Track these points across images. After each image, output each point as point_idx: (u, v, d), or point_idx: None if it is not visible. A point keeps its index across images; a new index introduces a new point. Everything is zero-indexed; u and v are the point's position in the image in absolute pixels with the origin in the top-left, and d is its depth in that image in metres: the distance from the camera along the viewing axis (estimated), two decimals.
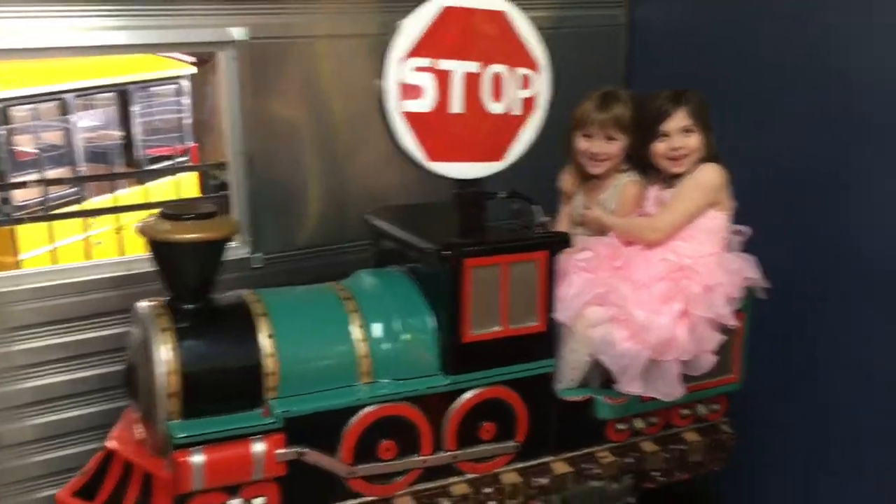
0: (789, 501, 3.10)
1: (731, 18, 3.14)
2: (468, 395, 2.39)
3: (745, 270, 2.62)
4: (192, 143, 6.45)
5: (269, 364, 2.18)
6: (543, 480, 2.53)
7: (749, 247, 2.67)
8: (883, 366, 2.74)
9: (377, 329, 2.33)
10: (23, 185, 5.23)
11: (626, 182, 2.75)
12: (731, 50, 3.11)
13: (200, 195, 5.98)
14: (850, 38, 2.74)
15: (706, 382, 2.67)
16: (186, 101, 6.71)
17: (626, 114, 2.70)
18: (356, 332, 2.31)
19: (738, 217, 2.67)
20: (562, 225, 2.89)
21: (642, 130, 2.67)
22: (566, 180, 2.90)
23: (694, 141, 2.61)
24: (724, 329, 2.55)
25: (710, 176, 2.61)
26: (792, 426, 3.03)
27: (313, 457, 2.20)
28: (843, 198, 2.82)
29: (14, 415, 2.76)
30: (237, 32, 2.78)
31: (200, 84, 6.72)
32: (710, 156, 2.63)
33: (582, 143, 2.74)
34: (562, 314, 2.48)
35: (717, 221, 2.62)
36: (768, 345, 2.85)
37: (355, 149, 3.08)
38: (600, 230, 2.70)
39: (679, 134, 2.60)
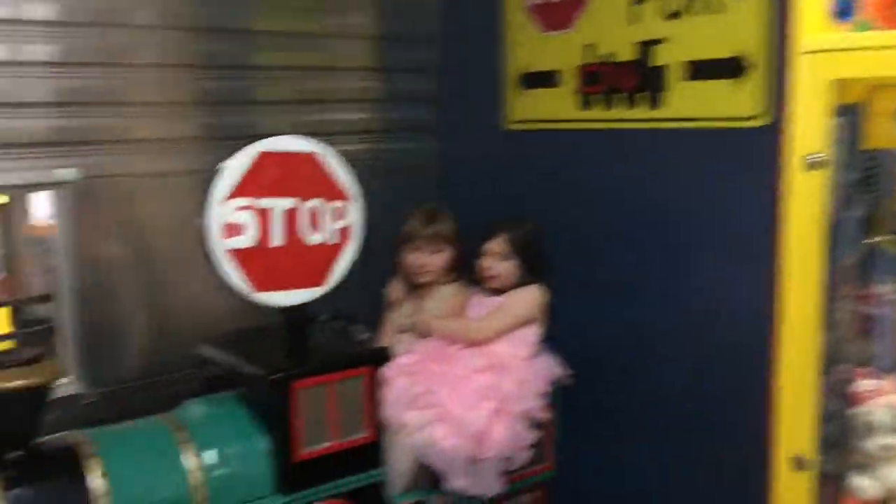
0: None
1: (523, 151, 3.52)
2: None
3: (552, 368, 2.94)
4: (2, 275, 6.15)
5: None
6: None
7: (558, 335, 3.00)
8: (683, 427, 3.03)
9: (210, 456, 2.39)
10: None
11: (452, 291, 3.02)
12: (534, 177, 3.45)
13: (12, 329, 5.68)
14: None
15: (524, 472, 2.90)
16: None
17: (449, 228, 3.01)
18: (189, 461, 2.36)
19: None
20: (387, 331, 3.10)
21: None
22: (393, 290, 3.14)
23: (505, 266, 2.95)
24: (536, 423, 2.82)
25: (534, 297, 2.94)
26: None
27: None
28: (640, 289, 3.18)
29: None
30: (66, 173, 2.85)
31: (8, 216, 6.46)
32: (532, 279, 2.97)
33: (409, 257, 3.01)
34: (386, 416, 2.65)
35: (530, 333, 2.93)
36: (582, 430, 3.15)
37: (184, 279, 3.15)
38: (428, 333, 2.92)
39: (493, 257, 2.95)
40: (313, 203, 2.55)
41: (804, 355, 1.88)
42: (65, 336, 2.98)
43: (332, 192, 2.60)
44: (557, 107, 3.33)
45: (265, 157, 2.42)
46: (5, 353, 2.27)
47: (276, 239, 2.47)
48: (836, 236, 1.93)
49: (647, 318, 3.08)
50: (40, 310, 4.96)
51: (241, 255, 2.39)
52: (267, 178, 2.43)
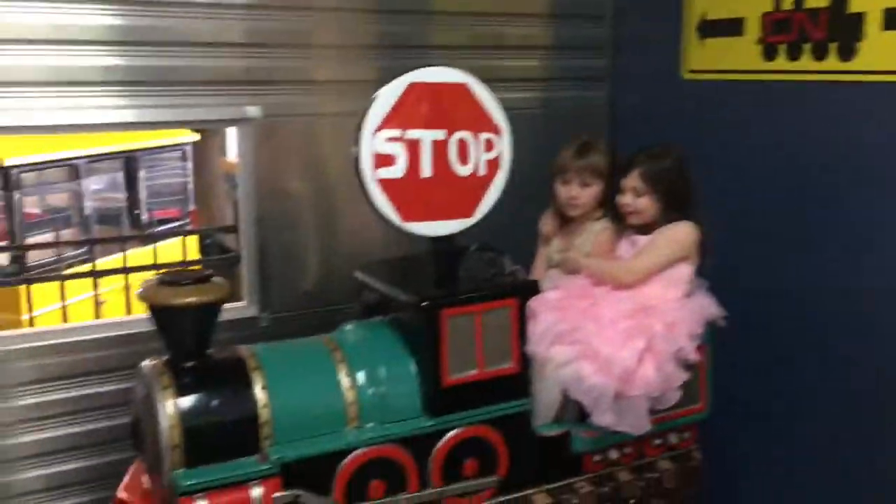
0: None
1: (700, 102, 3.38)
2: (450, 434, 2.56)
3: (706, 308, 2.81)
4: (192, 207, 6.74)
5: (264, 414, 2.38)
6: None
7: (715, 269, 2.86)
8: (849, 381, 2.91)
9: (363, 376, 2.53)
10: (35, 246, 5.49)
11: (601, 228, 2.96)
12: (709, 129, 3.32)
13: (200, 257, 6.23)
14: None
15: (675, 413, 2.83)
16: (189, 166, 7.02)
17: (601, 161, 2.92)
18: (344, 380, 2.51)
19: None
20: (538, 265, 3.10)
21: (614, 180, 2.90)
22: (546, 224, 3.12)
23: (643, 202, 2.81)
24: (687, 364, 2.74)
25: (685, 233, 2.79)
26: (762, 448, 3.19)
27: (308, 499, 2.37)
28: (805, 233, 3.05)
29: (20, 466, 2.95)
30: (252, 111, 3.06)
31: (202, 151, 7.03)
32: (678, 214, 2.81)
33: (560, 189, 2.97)
34: (531, 351, 2.67)
35: (682, 272, 2.80)
36: (737, 370, 3.03)
37: (353, 211, 3.31)
38: (575, 271, 2.90)
39: (630, 192, 2.83)
40: (462, 134, 2.56)
41: None
42: (244, 262, 3.23)
43: (481, 123, 2.60)
44: (739, 57, 3.14)
45: (415, 87, 2.46)
46: (181, 272, 2.49)
47: (426, 170, 2.52)
48: None
49: (816, 273, 2.94)
50: (228, 239, 5.40)
51: (391, 185, 2.46)
52: (416, 110, 2.47)
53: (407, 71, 2.50)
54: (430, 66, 2.53)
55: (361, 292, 2.91)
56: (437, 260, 2.64)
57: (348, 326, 2.74)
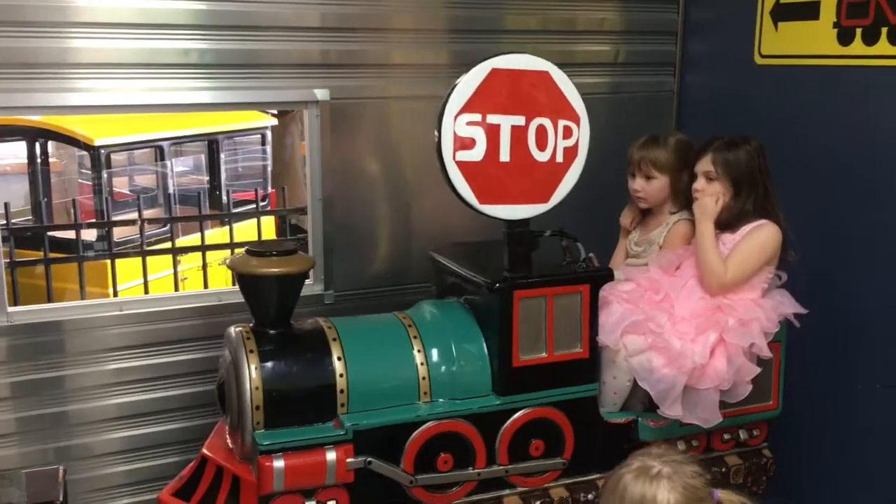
0: None
1: (772, 87, 3.34)
2: (518, 414, 2.62)
3: (781, 306, 2.78)
4: (270, 189, 6.93)
5: (340, 383, 2.48)
6: (590, 496, 2.73)
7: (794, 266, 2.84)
8: None
9: (436, 353, 2.60)
10: (119, 223, 5.73)
11: (676, 221, 2.97)
12: (774, 116, 3.28)
13: (277, 237, 6.40)
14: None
15: (746, 408, 2.83)
16: (268, 149, 7.23)
17: (664, 155, 2.93)
18: (417, 355, 2.59)
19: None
20: (618, 255, 3.14)
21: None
22: (626, 216, 3.15)
23: (714, 188, 2.78)
24: (759, 360, 2.72)
25: (772, 238, 2.76)
26: (832, 451, 3.14)
27: (379, 466, 2.46)
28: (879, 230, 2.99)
29: (104, 427, 3.10)
30: (321, 93, 3.16)
31: (280, 135, 7.21)
32: (755, 208, 2.77)
33: (629, 181, 3.00)
34: (603, 340, 2.70)
35: (762, 276, 2.78)
36: (810, 372, 3.00)
37: (420, 195, 3.40)
38: (679, 244, 2.89)
39: (702, 178, 2.82)
40: (541, 121, 2.60)
41: None
42: (311, 241, 3.34)
43: (560, 111, 2.63)
44: (813, 41, 3.08)
45: (497, 73, 2.51)
46: (268, 244, 2.61)
47: (504, 154, 2.57)
48: None
49: (892, 271, 2.87)
50: (304, 221, 5.53)
51: (470, 168, 2.52)
52: (497, 95, 2.52)
53: (479, 55, 2.54)
54: (508, 52, 2.57)
55: (438, 274, 2.98)
56: (511, 244, 2.69)
57: (424, 304, 2.81)
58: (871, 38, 2.87)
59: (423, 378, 2.57)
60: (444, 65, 3.32)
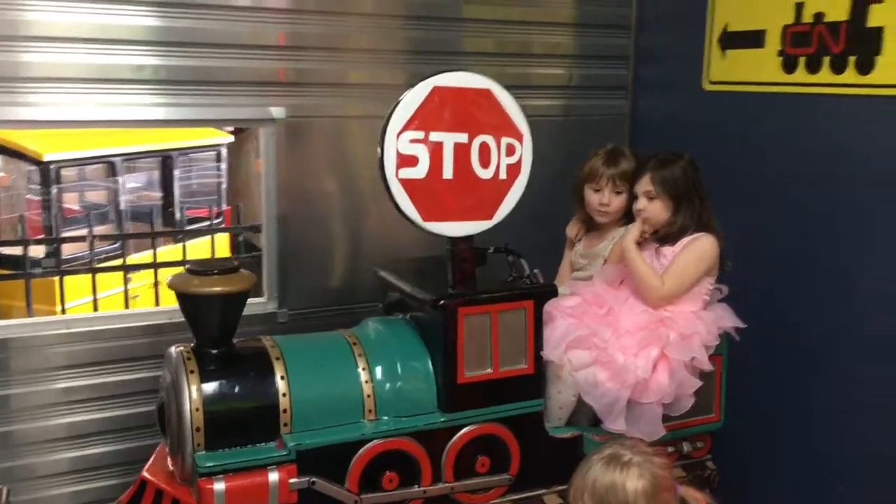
0: None
1: (720, 113, 3.42)
2: (464, 430, 2.62)
3: (722, 320, 2.83)
4: (225, 207, 6.89)
5: (283, 402, 2.46)
6: None
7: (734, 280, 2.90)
8: (865, 395, 2.91)
9: (380, 371, 2.59)
10: (68, 239, 5.64)
11: (622, 234, 3.00)
12: (728, 140, 3.36)
13: (231, 255, 6.36)
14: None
15: (688, 421, 2.87)
16: (224, 167, 7.18)
17: (631, 168, 2.97)
18: (362, 373, 2.58)
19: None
20: (564, 268, 3.16)
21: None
22: (572, 228, 3.18)
23: (656, 206, 2.83)
24: (701, 373, 2.76)
25: (709, 249, 2.81)
26: (776, 462, 3.20)
27: (323, 486, 2.44)
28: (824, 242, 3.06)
29: (49, 448, 3.05)
30: (277, 112, 3.16)
31: (236, 152, 7.19)
32: (693, 220, 2.82)
33: (592, 196, 3.02)
34: (548, 355, 2.71)
35: (702, 287, 2.83)
36: (752, 383, 3.06)
37: (375, 214, 3.42)
38: (619, 259, 2.90)
39: (643, 197, 2.86)
40: (484, 138, 2.62)
41: None
42: (265, 259, 3.32)
43: (503, 128, 2.65)
44: (759, 69, 3.17)
45: (438, 91, 2.52)
46: (209, 262, 2.58)
47: (447, 172, 2.58)
48: None
49: (834, 283, 2.96)
50: (257, 238, 5.50)
51: (413, 186, 2.53)
52: (440, 113, 2.53)
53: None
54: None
55: (383, 290, 2.98)
56: (455, 260, 2.70)
57: (369, 322, 2.81)
58: (814, 67, 2.97)
59: (368, 396, 2.56)
60: (400, 85, 3.29)
